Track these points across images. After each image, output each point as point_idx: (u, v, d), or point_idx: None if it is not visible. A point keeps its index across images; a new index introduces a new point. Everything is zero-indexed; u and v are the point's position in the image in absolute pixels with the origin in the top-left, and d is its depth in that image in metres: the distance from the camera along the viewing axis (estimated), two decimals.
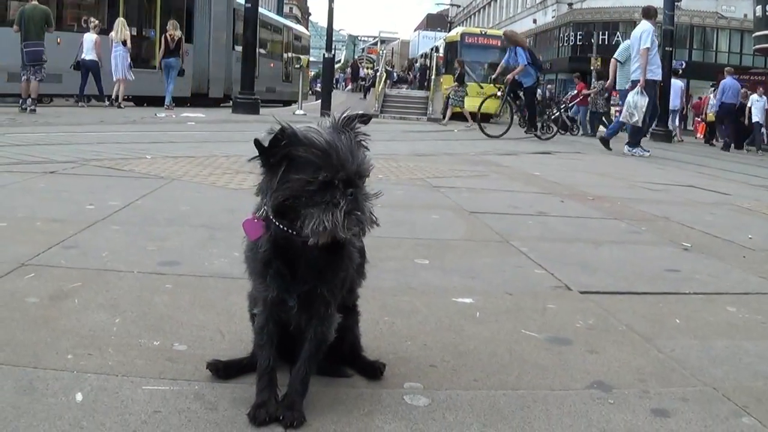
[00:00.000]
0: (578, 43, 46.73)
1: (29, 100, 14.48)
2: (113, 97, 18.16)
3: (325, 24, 29.50)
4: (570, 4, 47.58)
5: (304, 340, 1.91)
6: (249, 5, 18.72)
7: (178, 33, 19.03)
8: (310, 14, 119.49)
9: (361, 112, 1.88)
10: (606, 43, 43.97)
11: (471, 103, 28.70)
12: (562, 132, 21.28)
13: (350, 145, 1.78)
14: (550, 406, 2.06)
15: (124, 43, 18.07)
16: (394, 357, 2.32)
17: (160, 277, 3.10)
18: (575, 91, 25.10)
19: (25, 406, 1.83)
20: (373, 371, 2.17)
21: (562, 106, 23.15)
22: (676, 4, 24.07)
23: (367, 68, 41.65)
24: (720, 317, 3.09)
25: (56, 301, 2.69)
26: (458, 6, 74.37)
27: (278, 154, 1.75)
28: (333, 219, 1.72)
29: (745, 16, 40.47)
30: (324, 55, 27.81)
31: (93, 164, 6.60)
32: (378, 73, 29.48)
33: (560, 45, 49.31)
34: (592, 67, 38.66)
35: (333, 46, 28.19)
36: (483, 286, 3.34)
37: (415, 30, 76.63)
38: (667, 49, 22.14)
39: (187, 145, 9.35)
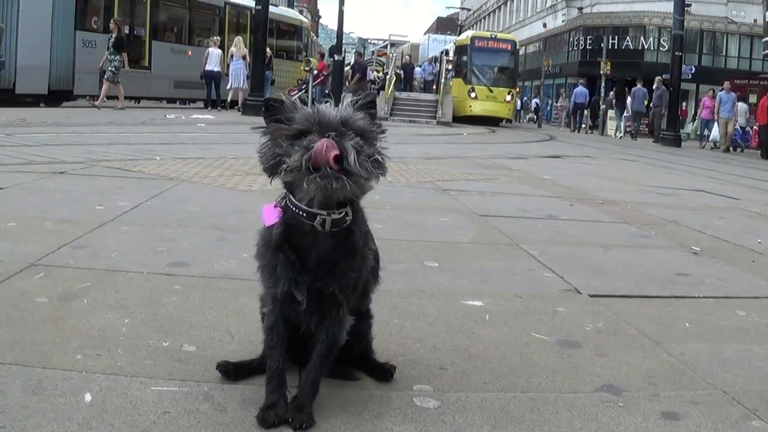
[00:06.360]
0: (588, 47, 46.60)
1: None
2: (228, 102, 20.72)
3: (335, 27, 29.49)
4: (580, 9, 47.47)
5: (315, 342, 1.90)
6: (259, 7, 18.77)
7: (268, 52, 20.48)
8: (320, 17, 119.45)
9: (365, 93, 1.88)
10: (616, 47, 43.91)
11: (481, 107, 28.71)
12: None
13: (340, 108, 1.80)
14: (559, 409, 2.05)
15: (244, 57, 20.37)
16: (403, 359, 2.32)
17: (170, 278, 3.11)
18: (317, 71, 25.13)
19: (33, 406, 1.83)
20: (384, 373, 2.16)
21: (301, 86, 24.10)
22: (686, 8, 24.05)
23: (377, 71, 41.41)
24: (730, 321, 3.08)
25: (65, 301, 2.69)
26: (468, 10, 74.24)
27: (270, 120, 1.80)
28: (302, 157, 1.68)
29: (755, 21, 40.31)
30: (334, 57, 27.83)
31: (102, 165, 6.62)
32: (388, 77, 29.41)
33: (570, 49, 49.18)
34: (601, 72, 38.58)
35: (343, 49, 28.14)
36: (493, 289, 3.33)
37: (425, 33, 76.59)
38: (677, 53, 22.17)
39: (196, 146, 9.38)
